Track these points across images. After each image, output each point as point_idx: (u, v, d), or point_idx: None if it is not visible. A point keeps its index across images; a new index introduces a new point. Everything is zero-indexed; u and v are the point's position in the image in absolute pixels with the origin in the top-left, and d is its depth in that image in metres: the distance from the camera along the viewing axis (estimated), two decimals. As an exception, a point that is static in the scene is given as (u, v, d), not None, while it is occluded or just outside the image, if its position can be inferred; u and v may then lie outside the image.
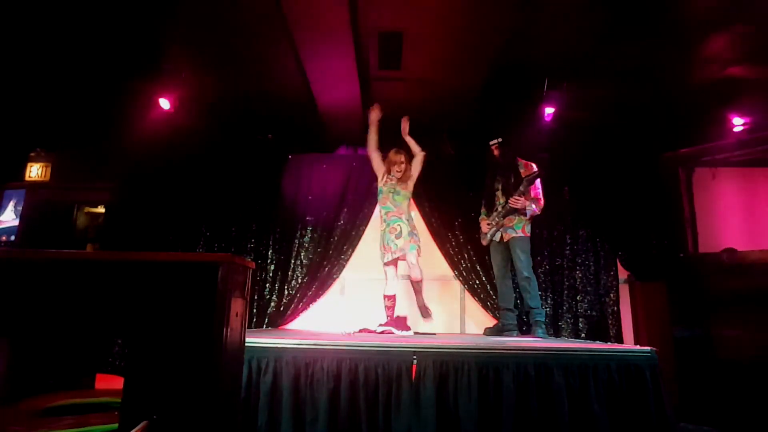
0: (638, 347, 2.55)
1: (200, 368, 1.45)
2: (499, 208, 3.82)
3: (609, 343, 3.52)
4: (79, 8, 3.28)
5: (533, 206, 3.71)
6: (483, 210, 4.01)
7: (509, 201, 3.73)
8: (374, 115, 3.75)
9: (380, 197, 3.80)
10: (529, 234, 3.79)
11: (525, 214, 3.72)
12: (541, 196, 3.78)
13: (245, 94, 4.36)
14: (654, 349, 2.47)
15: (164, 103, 4.25)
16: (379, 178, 3.82)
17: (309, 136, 4.77)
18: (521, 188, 3.70)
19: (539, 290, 4.09)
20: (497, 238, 3.83)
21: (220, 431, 1.47)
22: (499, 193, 3.88)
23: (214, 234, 4.60)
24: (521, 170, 3.80)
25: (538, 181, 3.79)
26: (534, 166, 3.81)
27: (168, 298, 1.50)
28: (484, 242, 3.97)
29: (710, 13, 3.15)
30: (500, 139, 3.89)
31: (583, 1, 3.11)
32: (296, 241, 4.63)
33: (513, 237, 3.75)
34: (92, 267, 1.56)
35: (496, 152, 3.91)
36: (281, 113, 4.62)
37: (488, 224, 3.89)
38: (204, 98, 4.40)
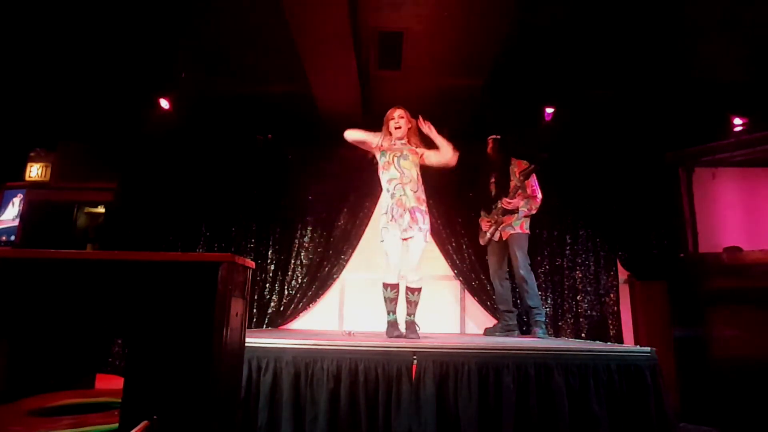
0: (638, 347, 2.55)
1: (200, 368, 1.45)
2: (498, 205, 3.83)
3: (609, 343, 3.52)
4: (79, 9, 3.28)
5: (527, 207, 3.72)
6: (482, 210, 4.01)
7: (502, 202, 3.74)
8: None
9: (382, 162, 3.14)
10: (527, 231, 3.78)
11: (519, 213, 3.74)
12: (538, 192, 3.77)
13: (245, 94, 4.36)
14: (654, 349, 2.47)
15: (164, 103, 4.25)
16: (375, 143, 3.17)
17: (309, 136, 4.77)
18: (517, 183, 3.72)
19: (539, 290, 4.09)
20: (496, 237, 3.84)
21: (220, 431, 1.47)
22: (493, 190, 3.89)
23: (214, 234, 4.60)
24: (514, 169, 3.82)
25: (534, 178, 3.79)
26: (525, 163, 3.81)
27: (168, 298, 1.50)
28: (483, 241, 3.97)
29: (711, 13, 3.15)
30: (498, 136, 3.89)
31: (583, 1, 3.11)
32: (296, 241, 4.63)
33: (511, 234, 3.75)
34: (92, 267, 1.56)
35: (489, 149, 3.92)
36: (281, 113, 4.62)
37: (488, 222, 3.90)
38: (204, 98, 4.40)
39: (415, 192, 3.05)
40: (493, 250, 3.92)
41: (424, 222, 3.04)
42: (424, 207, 3.08)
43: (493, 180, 3.93)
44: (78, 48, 3.72)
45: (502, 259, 3.88)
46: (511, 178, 3.81)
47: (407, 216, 2.99)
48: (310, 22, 3.13)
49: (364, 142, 3.19)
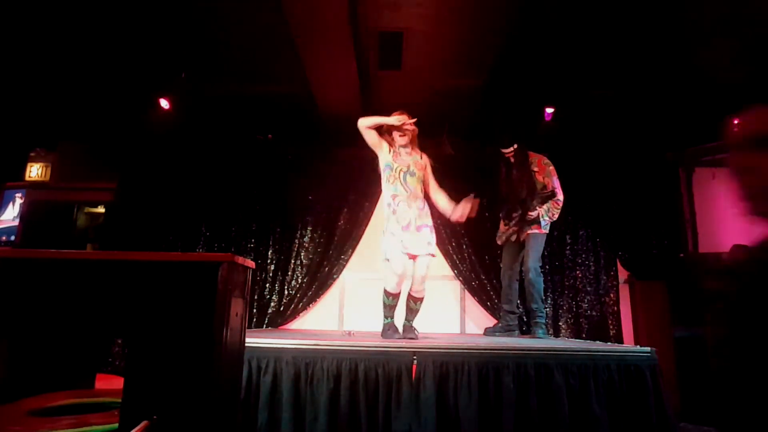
0: (638, 347, 2.55)
1: (200, 368, 1.44)
2: (518, 215, 3.75)
3: (609, 343, 3.52)
4: (80, 9, 3.28)
5: (549, 214, 3.66)
6: (503, 213, 3.93)
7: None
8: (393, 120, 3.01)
9: (386, 174, 3.04)
10: (544, 231, 3.70)
11: (540, 223, 3.67)
12: (560, 194, 3.69)
13: (245, 94, 4.36)
14: (654, 349, 2.47)
15: (164, 103, 4.25)
16: (383, 154, 3.09)
17: (309, 136, 4.77)
18: (534, 203, 3.65)
19: (540, 291, 4.08)
20: (513, 238, 3.80)
21: (220, 431, 1.47)
22: (516, 188, 3.81)
23: (214, 234, 4.60)
24: (534, 169, 3.75)
25: (555, 178, 3.73)
26: (545, 162, 3.75)
27: (168, 298, 1.50)
28: (500, 241, 3.92)
29: (711, 13, 3.15)
30: (516, 146, 3.76)
31: (583, 1, 3.11)
32: (296, 241, 4.63)
33: (528, 233, 3.71)
34: (92, 267, 1.56)
35: (512, 160, 3.79)
36: (281, 113, 4.62)
37: (506, 225, 3.85)
38: (204, 98, 4.40)
39: (421, 209, 3.02)
40: (509, 250, 3.87)
41: (433, 238, 3.03)
42: (431, 222, 3.04)
43: (513, 182, 3.83)
44: (78, 48, 3.72)
45: (516, 260, 3.83)
46: (531, 174, 3.73)
47: (407, 235, 2.93)
48: (310, 23, 3.13)
49: (374, 143, 3.08)
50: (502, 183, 3.91)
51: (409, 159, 3.06)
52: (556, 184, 3.72)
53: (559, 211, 3.71)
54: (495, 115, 4.32)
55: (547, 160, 3.78)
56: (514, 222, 3.77)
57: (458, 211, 3.01)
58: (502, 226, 3.91)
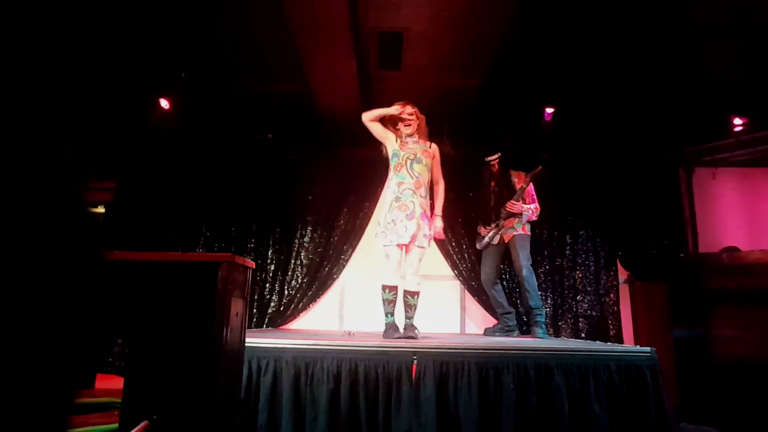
0: (638, 347, 2.55)
1: (200, 368, 1.45)
2: (502, 211, 3.83)
3: (609, 343, 3.53)
4: (79, 8, 3.28)
5: (529, 212, 3.76)
6: (481, 221, 4.02)
7: (507, 205, 3.76)
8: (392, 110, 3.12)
9: (393, 162, 3.08)
10: (529, 233, 3.82)
11: (522, 217, 3.76)
12: (536, 200, 3.85)
13: (245, 94, 4.36)
14: (654, 349, 2.47)
15: (164, 103, 4.25)
16: (390, 144, 3.13)
17: (309, 136, 4.77)
18: (524, 185, 3.75)
19: (539, 290, 4.11)
20: (495, 240, 3.85)
21: (220, 431, 1.47)
22: (493, 200, 3.92)
23: (214, 234, 4.60)
24: (514, 180, 3.87)
25: (532, 187, 3.83)
26: (524, 173, 3.87)
27: (168, 298, 1.51)
28: (480, 246, 3.99)
29: (711, 13, 3.15)
30: (499, 154, 3.92)
31: (583, 1, 3.11)
32: (296, 241, 4.63)
33: (514, 235, 3.77)
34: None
35: (495, 168, 3.94)
36: (281, 113, 4.62)
37: (487, 228, 3.91)
38: (204, 98, 4.40)
39: (424, 198, 3.02)
40: (489, 255, 3.93)
41: (429, 228, 3.03)
42: (428, 220, 3.05)
43: (494, 190, 3.94)
44: (78, 48, 3.72)
45: (498, 264, 3.94)
46: (511, 181, 3.85)
47: (412, 224, 2.92)
48: (310, 22, 3.13)
49: (380, 134, 3.15)
50: (484, 189, 4.02)
51: (416, 147, 3.09)
52: (533, 193, 3.88)
53: (537, 214, 3.83)
54: (487, 121, 4.38)
55: (524, 174, 3.90)
56: (496, 223, 3.83)
57: (434, 228, 3.08)
58: (483, 230, 3.96)
